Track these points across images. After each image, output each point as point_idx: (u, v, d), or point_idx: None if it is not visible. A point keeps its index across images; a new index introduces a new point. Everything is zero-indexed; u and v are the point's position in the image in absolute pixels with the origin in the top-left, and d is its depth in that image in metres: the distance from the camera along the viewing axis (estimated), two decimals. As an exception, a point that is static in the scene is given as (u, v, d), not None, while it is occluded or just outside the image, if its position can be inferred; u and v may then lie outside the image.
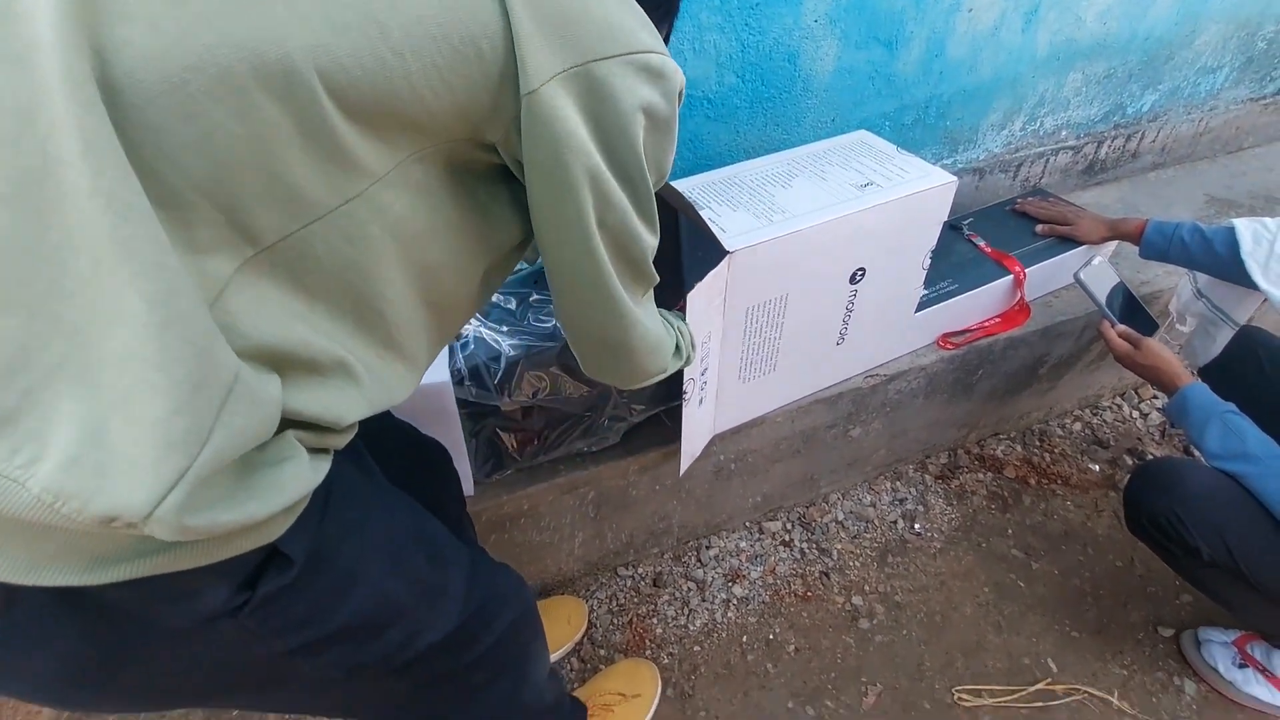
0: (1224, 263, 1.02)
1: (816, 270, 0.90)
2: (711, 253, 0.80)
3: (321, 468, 0.43)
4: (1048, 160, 1.45)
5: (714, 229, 0.82)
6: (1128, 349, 1.03)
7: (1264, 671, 1.04)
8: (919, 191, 0.88)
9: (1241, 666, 1.06)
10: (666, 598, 1.20)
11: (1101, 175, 1.56)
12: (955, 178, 0.90)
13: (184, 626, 0.42)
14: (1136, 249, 1.14)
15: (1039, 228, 1.24)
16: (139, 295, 0.31)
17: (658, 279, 0.56)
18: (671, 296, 0.75)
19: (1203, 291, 1.14)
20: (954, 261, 1.17)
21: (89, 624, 0.40)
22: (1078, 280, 1.12)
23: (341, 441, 0.46)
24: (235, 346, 0.36)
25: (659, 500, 1.14)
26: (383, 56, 0.36)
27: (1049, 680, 1.09)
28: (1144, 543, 0.97)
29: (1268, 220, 0.99)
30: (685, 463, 0.99)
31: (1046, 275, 1.22)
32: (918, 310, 1.09)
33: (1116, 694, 1.07)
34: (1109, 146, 1.50)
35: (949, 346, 1.18)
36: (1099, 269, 1.14)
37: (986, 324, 1.20)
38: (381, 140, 0.39)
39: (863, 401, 1.17)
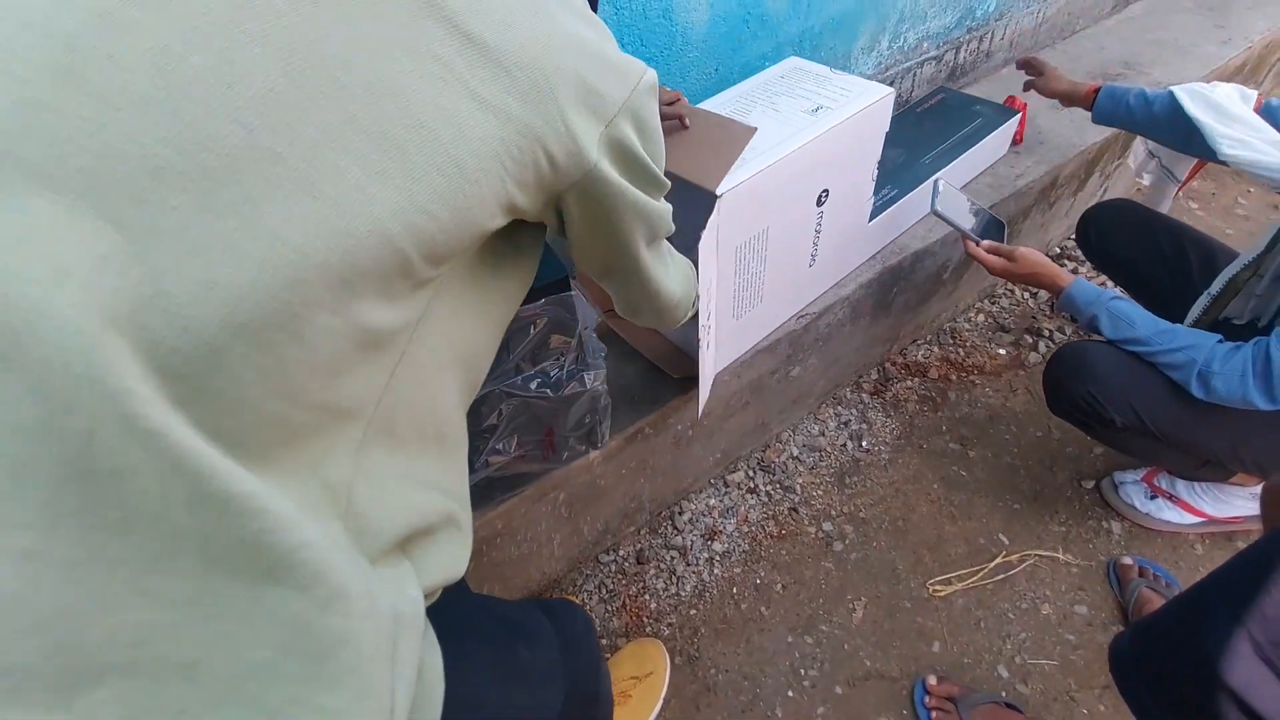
0: (1164, 126, 1.10)
1: (790, 199, 0.95)
2: (702, 200, 0.81)
3: (433, 637, 0.40)
4: (914, 74, 1.51)
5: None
6: (1003, 263, 1.07)
7: (1171, 498, 1.20)
8: (865, 107, 0.95)
9: (1153, 498, 1.21)
10: (653, 571, 1.22)
11: (963, 80, 1.64)
12: (892, 89, 0.97)
13: None
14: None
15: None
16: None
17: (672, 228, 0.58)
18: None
19: (1153, 151, 1.25)
20: (885, 170, 1.20)
21: None
22: (936, 214, 1.13)
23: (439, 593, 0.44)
24: (372, 553, 0.33)
25: (626, 483, 1.14)
26: (463, 190, 0.33)
27: (1004, 553, 1.21)
28: (1065, 420, 1.08)
29: (1200, 86, 1.06)
30: (701, 405, 1.03)
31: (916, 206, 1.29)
32: (870, 219, 1.16)
33: (1061, 550, 1.21)
34: (966, 50, 1.58)
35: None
36: (948, 194, 1.15)
37: None
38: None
39: (798, 341, 1.21)
